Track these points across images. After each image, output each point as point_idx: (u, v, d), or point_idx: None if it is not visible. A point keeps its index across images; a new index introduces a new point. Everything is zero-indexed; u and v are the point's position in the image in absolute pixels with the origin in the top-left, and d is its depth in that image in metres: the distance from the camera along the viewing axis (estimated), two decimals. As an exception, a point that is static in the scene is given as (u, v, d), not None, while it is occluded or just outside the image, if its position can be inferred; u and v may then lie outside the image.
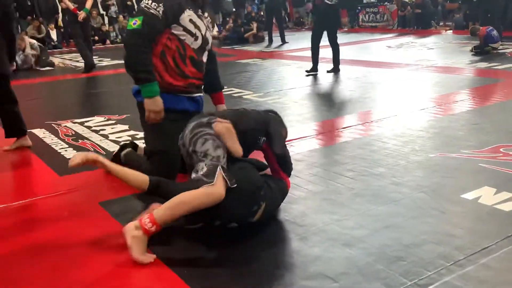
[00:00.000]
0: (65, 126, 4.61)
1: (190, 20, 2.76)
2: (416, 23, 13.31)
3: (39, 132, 4.41)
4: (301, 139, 3.82)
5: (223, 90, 3.29)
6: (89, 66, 8.26)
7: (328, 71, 6.98)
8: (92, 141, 4.04)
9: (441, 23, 13.91)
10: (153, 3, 2.67)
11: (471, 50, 8.34)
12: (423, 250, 2.12)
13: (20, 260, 2.19)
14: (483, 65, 7.08)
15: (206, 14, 2.89)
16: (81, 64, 8.67)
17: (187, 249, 2.25)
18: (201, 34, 2.83)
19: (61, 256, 2.21)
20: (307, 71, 7.04)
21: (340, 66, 7.17)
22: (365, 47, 10.30)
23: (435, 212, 2.49)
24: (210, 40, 2.93)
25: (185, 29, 2.75)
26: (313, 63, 7.03)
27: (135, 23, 2.65)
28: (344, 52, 9.00)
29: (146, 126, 2.88)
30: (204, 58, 2.92)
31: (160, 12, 2.66)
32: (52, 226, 2.52)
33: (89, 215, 2.63)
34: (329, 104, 5.32)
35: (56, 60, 9.69)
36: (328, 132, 4.06)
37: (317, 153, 3.52)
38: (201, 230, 2.40)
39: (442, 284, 1.88)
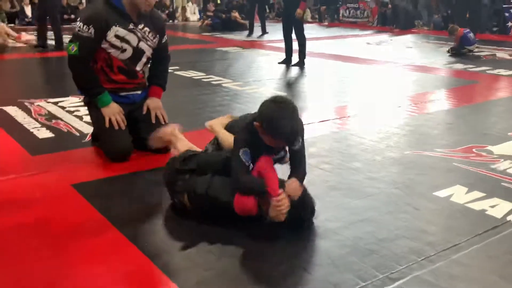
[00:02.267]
0: (38, 105, 4.51)
1: (116, 36, 3.05)
2: (396, 21, 13.42)
3: (11, 110, 4.30)
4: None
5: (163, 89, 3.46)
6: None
7: (292, 65, 6.93)
8: (65, 122, 3.96)
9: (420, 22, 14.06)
10: (84, 26, 2.99)
11: (448, 51, 8.47)
12: (396, 245, 2.15)
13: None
14: (460, 66, 7.19)
15: (141, 26, 3.14)
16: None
17: (168, 239, 2.23)
18: (131, 46, 3.12)
19: (33, 238, 2.16)
20: (279, 62, 7.04)
21: (319, 60, 7.18)
22: (345, 42, 10.35)
23: (409, 208, 2.52)
24: (147, 48, 3.21)
25: (111, 44, 3.06)
26: (285, 54, 7.02)
27: (73, 48, 3.01)
28: (323, 46, 9.05)
29: (91, 115, 3.29)
30: (139, 67, 3.24)
31: (92, 33, 2.98)
32: (24, 207, 2.46)
33: (61, 196, 2.58)
34: (306, 97, 5.33)
35: (30, 37, 9.42)
36: (305, 125, 4.06)
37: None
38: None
39: (413, 278, 1.91)
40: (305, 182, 2.29)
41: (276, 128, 2.11)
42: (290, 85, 5.99)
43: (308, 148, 3.28)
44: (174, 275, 1.89)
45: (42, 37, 8.34)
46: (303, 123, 2.38)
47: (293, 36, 6.92)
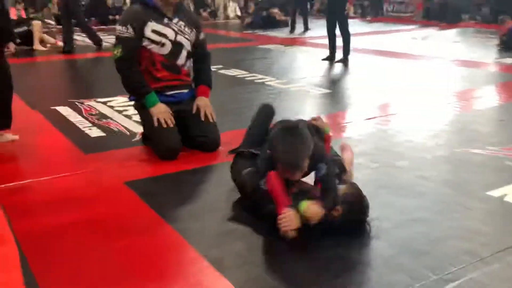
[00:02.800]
0: (88, 105, 4.65)
1: (153, 31, 3.16)
2: (442, 15, 13.07)
3: (63, 110, 4.45)
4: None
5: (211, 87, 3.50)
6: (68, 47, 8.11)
7: (336, 61, 6.87)
8: (115, 121, 4.07)
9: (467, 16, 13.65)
10: (123, 27, 3.12)
11: (498, 45, 8.20)
12: (448, 245, 2.11)
13: (47, 236, 2.23)
14: (510, 61, 6.95)
15: (176, 20, 3.25)
16: (105, 43, 8.68)
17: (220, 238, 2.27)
18: (169, 40, 3.21)
19: (87, 235, 2.24)
20: (323, 59, 6.99)
21: (363, 56, 7.09)
22: (389, 38, 10.17)
23: (460, 207, 2.47)
24: (186, 42, 3.29)
25: (150, 40, 3.17)
26: (329, 51, 6.97)
27: (117, 52, 3.14)
28: (366, 42, 8.92)
29: (141, 116, 3.40)
30: (181, 61, 3.30)
31: (131, 32, 3.11)
32: (78, 204, 2.55)
33: (115, 194, 2.66)
34: (351, 94, 5.28)
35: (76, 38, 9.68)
36: (351, 122, 4.04)
37: (338, 144, 3.49)
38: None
39: (467, 280, 1.87)
40: (355, 180, 2.27)
41: (280, 158, 2.13)
42: (334, 82, 5.95)
43: (355, 146, 3.28)
44: (226, 272, 1.92)
45: (68, 41, 8.11)
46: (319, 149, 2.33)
47: (337, 32, 6.86)
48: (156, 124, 3.14)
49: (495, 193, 2.62)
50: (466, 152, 3.24)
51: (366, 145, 3.39)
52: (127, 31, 3.10)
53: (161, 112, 3.16)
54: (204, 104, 3.35)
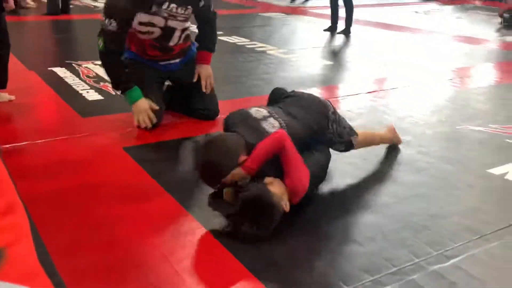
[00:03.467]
0: (86, 67, 4.56)
1: (141, 23, 2.93)
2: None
3: (60, 71, 4.37)
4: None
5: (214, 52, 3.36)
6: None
7: (337, 32, 6.76)
8: (114, 85, 3.99)
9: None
10: (107, 20, 2.85)
11: (501, 23, 8.11)
12: (449, 222, 2.11)
13: (45, 200, 2.20)
14: (512, 38, 6.89)
15: (165, 6, 2.89)
16: (100, 4, 8.50)
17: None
18: (158, 27, 2.98)
19: (87, 199, 2.22)
20: (325, 29, 6.89)
21: (365, 28, 6.98)
22: (392, 11, 10.03)
23: (461, 184, 2.47)
24: (178, 23, 3.03)
25: (137, 31, 2.99)
26: (331, 21, 6.86)
27: (100, 44, 2.92)
28: (369, 14, 8.79)
29: None
30: (173, 42, 3.11)
31: (115, 26, 2.83)
32: (77, 168, 2.52)
33: (114, 159, 2.63)
34: (352, 66, 5.22)
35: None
36: (352, 96, 3.99)
37: (341, 116, 3.47)
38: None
39: (468, 257, 1.88)
40: (355, 154, 2.24)
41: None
42: (335, 53, 5.87)
43: (356, 120, 3.26)
44: (223, 240, 1.91)
45: (51, 2, 7.53)
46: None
47: (340, 2, 6.74)
48: (136, 123, 2.97)
49: (496, 171, 2.61)
50: (467, 129, 3.23)
51: (367, 119, 3.36)
52: (110, 25, 2.83)
53: (140, 111, 2.94)
54: (205, 73, 3.23)
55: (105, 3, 2.90)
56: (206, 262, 1.81)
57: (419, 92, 4.07)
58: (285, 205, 1.97)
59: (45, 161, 2.59)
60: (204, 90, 3.19)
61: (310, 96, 2.53)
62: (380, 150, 2.81)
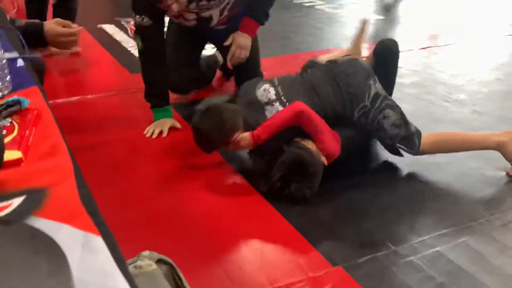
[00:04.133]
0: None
1: (172, 16, 2.52)
2: None
3: (109, 28, 4.41)
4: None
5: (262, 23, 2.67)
6: None
7: None
8: (161, 41, 4.00)
9: None
10: (138, 16, 2.38)
11: None
12: (504, 184, 2.02)
13: (92, 152, 2.27)
14: None
15: (193, 5, 2.35)
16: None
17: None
18: (192, 19, 2.50)
19: (132, 153, 2.26)
20: None
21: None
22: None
23: (519, 145, 2.35)
24: (214, 11, 2.45)
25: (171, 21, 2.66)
26: None
27: (138, 44, 2.49)
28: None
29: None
30: (213, 23, 2.54)
31: (148, 20, 2.37)
32: (124, 122, 2.56)
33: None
34: (405, 21, 5.00)
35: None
36: (405, 52, 3.83)
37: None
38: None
39: (523, 221, 1.81)
40: (407, 113, 2.16)
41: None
42: (387, 8, 5.63)
43: (409, 77, 3.14)
44: (270, 199, 1.91)
45: None
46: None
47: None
48: (148, 134, 2.46)
49: (558, 132, 2.47)
50: (528, 87, 3.06)
51: (421, 76, 3.24)
52: (143, 20, 2.38)
53: (158, 125, 2.48)
54: (240, 41, 2.53)
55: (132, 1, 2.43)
56: (253, 221, 1.82)
57: (475, 49, 3.86)
58: (324, 160, 1.94)
59: (95, 116, 2.65)
60: (228, 59, 2.55)
61: (359, 72, 2.12)
62: (431, 108, 2.71)
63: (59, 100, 2.80)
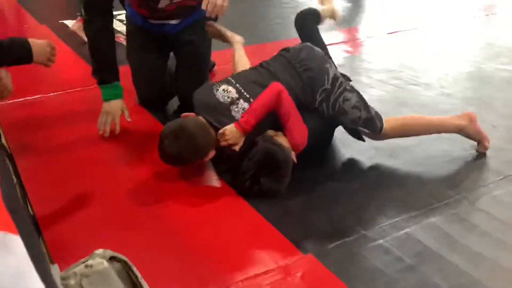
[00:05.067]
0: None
1: None
2: None
3: (71, 24, 4.29)
4: (336, 44, 3.64)
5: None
6: None
7: None
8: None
9: None
10: None
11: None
12: (472, 164, 2.04)
13: (54, 150, 2.21)
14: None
15: None
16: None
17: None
18: None
19: (96, 149, 2.22)
20: None
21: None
22: None
23: (485, 125, 2.36)
24: None
25: None
26: None
27: (83, 12, 2.25)
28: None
29: None
30: (163, 2, 2.31)
31: None
32: (89, 117, 2.48)
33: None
34: (372, 7, 5.01)
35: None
36: (373, 37, 3.85)
37: (358, 60, 3.36)
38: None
39: (490, 198, 1.83)
40: (375, 98, 2.17)
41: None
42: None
43: (376, 62, 3.14)
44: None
45: None
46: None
47: None
48: (98, 126, 2.29)
49: (523, 110, 2.51)
50: (492, 67, 3.09)
51: (388, 61, 3.25)
52: None
53: (109, 112, 2.29)
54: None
55: None
56: (223, 212, 1.79)
57: (442, 32, 3.89)
58: (294, 157, 1.91)
59: (59, 112, 2.58)
60: (208, 9, 1.95)
61: (315, 56, 2.08)
62: (398, 92, 2.72)
63: (19, 100, 2.72)
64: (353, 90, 2.05)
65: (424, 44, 3.60)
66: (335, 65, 2.15)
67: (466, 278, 1.44)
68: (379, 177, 1.99)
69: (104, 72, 2.31)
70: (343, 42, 3.66)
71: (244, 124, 1.85)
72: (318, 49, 2.14)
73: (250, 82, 2.00)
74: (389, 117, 2.07)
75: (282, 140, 1.90)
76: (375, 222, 1.69)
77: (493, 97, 2.69)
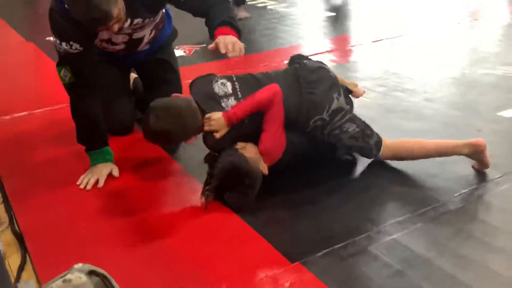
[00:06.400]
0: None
1: (102, 40, 2.21)
2: None
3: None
4: (321, 54, 3.67)
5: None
6: None
7: None
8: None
9: None
10: (65, 44, 1.95)
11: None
12: (459, 167, 2.04)
13: (43, 168, 2.20)
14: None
15: (127, 23, 2.07)
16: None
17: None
18: (122, 42, 2.27)
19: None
20: None
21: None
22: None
23: (470, 129, 2.39)
24: (146, 32, 2.28)
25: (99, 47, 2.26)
26: None
27: (65, 75, 2.03)
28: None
29: None
30: (141, 47, 2.37)
31: (78, 47, 1.96)
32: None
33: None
34: (357, 16, 5.06)
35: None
36: (357, 46, 3.88)
37: (344, 68, 3.38)
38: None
39: (477, 202, 1.84)
40: (359, 105, 2.16)
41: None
42: (339, 5, 5.70)
43: (361, 70, 3.17)
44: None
45: None
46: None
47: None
48: (79, 182, 2.07)
49: (506, 113, 2.53)
50: (476, 73, 3.12)
51: (374, 69, 3.27)
52: (72, 48, 1.96)
53: (95, 172, 2.09)
54: (226, 40, 1.89)
55: (52, 27, 2.00)
56: (208, 222, 1.78)
57: (426, 39, 3.93)
58: (263, 168, 1.90)
59: (45, 129, 2.58)
60: (222, 51, 1.87)
61: (325, 82, 2.01)
62: (383, 99, 2.74)
63: (7, 117, 2.72)
64: (354, 120, 2.00)
65: (409, 51, 3.64)
66: (346, 93, 2.10)
67: (454, 282, 1.44)
68: (366, 184, 1.99)
69: (93, 138, 2.15)
70: (329, 51, 3.69)
71: (231, 115, 1.87)
72: (333, 74, 2.07)
73: (248, 85, 1.99)
74: (391, 141, 2.03)
75: (250, 151, 1.89)
76: (362, 229, 1.68)
77: (477, 101, 2.71)
